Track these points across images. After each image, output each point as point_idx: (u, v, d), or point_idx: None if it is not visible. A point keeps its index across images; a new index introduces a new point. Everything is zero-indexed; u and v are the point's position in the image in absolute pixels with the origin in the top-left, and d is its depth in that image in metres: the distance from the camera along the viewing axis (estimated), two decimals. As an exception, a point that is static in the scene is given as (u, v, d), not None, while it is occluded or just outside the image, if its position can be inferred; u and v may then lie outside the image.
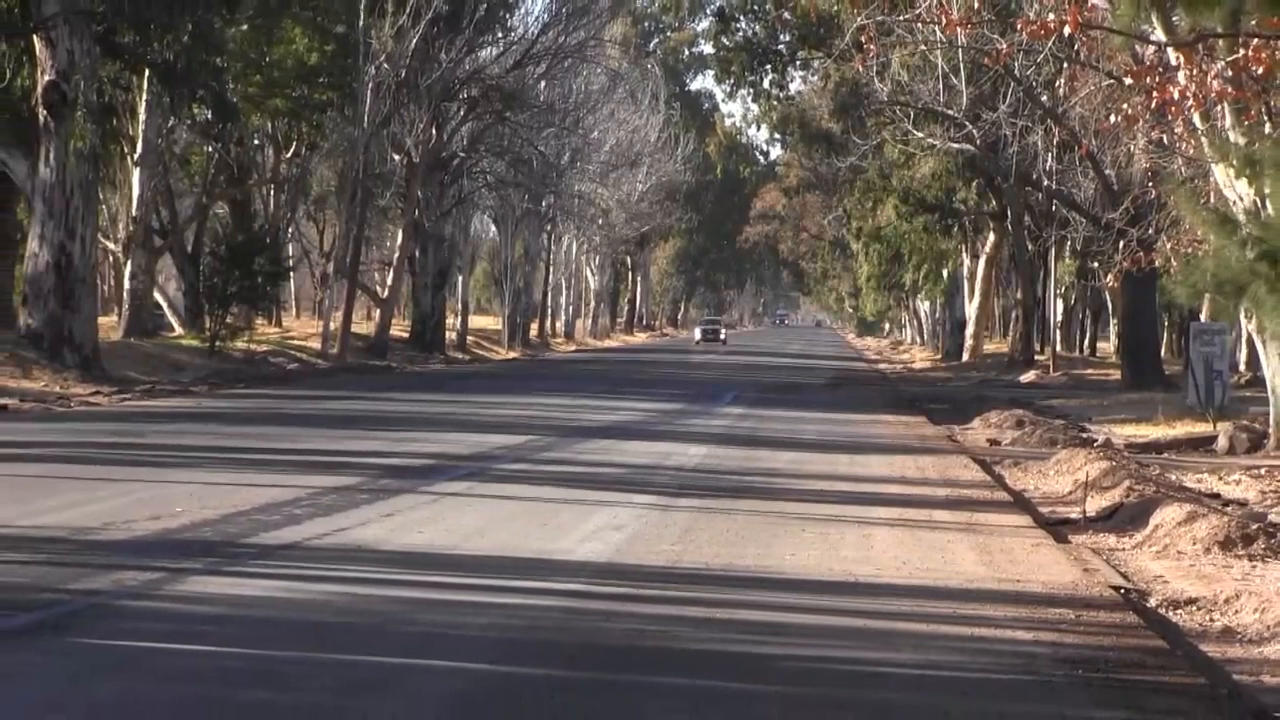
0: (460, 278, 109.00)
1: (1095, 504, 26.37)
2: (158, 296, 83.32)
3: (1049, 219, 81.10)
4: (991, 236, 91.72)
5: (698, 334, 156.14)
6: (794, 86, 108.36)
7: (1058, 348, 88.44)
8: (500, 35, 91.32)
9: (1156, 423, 43.96)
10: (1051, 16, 31.25)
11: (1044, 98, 67.60)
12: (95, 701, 11.83)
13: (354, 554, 18.84)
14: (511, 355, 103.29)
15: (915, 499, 27.64)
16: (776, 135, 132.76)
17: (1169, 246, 49.83)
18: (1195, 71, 26.73)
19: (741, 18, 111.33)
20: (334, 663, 13.20)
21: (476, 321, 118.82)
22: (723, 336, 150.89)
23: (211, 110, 74.11)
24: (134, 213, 74.96)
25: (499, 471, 29.30)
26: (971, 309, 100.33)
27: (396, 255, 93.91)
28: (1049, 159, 74.46)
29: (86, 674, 12.76)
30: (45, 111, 52.46)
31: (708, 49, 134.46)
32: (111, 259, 79.67)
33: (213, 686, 12.44)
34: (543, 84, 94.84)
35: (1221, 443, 37.18)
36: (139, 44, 56.96)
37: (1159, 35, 30.46)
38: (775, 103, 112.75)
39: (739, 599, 17.01)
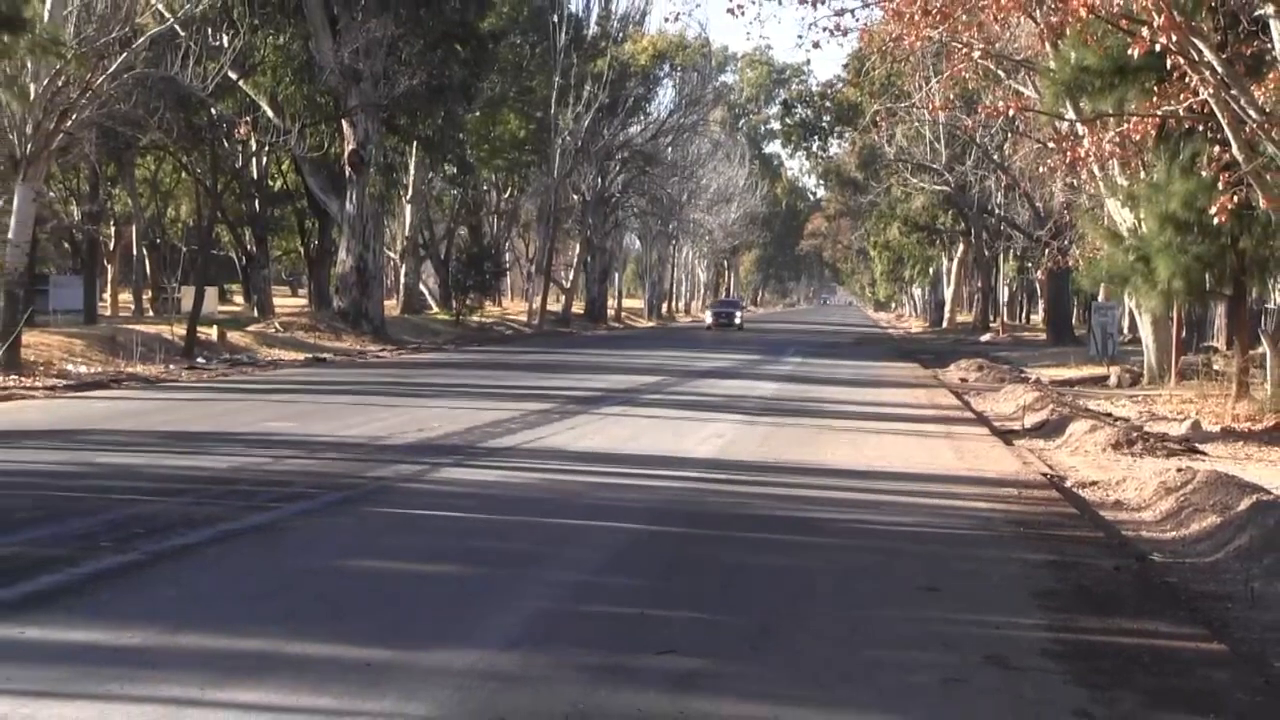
0: (616, 274, 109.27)
1: (1030, 419, 26.25)
2: (422, 287, 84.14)
3: (998, 235, 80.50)
4: (961, 246, 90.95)
5: (708, 318, 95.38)
6: (832, 149, 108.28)
7: (1005, 318, 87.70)
8: (642, 117, 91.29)
9: (1070, 367, 43.67)
10: (1001, 103, 30.99)
11: (996, 156, 67.21)
12: (385, 547, 11.88)
13: (549, 453, 18.86)
14: (650, 324, 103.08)
15: (912, 416, 27.52)
16: (821, 181, 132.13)
17: (1078, 252, 49.55)
18: (1095, 138, 26.40)
19: (798, 105, 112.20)
20: (538, 524, 13.20)
21: (627, 303, 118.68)
22: (738, 320, 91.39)
23: (456, 167, 75.12)
24: (406, 234, 75.66)
25: (642, 399, 29.30)
26: (949, 293, 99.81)
27: (575, 260, 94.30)
28: (999, 196, 74.36)
29: (378, 530, 12.83)
30: (350, 169, 52.93)
31: (776, 125, 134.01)
32: (392, 263, 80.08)
33: (460, 538, 12.48)
34: (670, 149, 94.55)
35: (1112, 380, 36.95)
36: (410, 124, 57.24)
37: (1071, 115, 30.19)
38: (820, 160, 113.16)
39: (799, 481, 16.98)
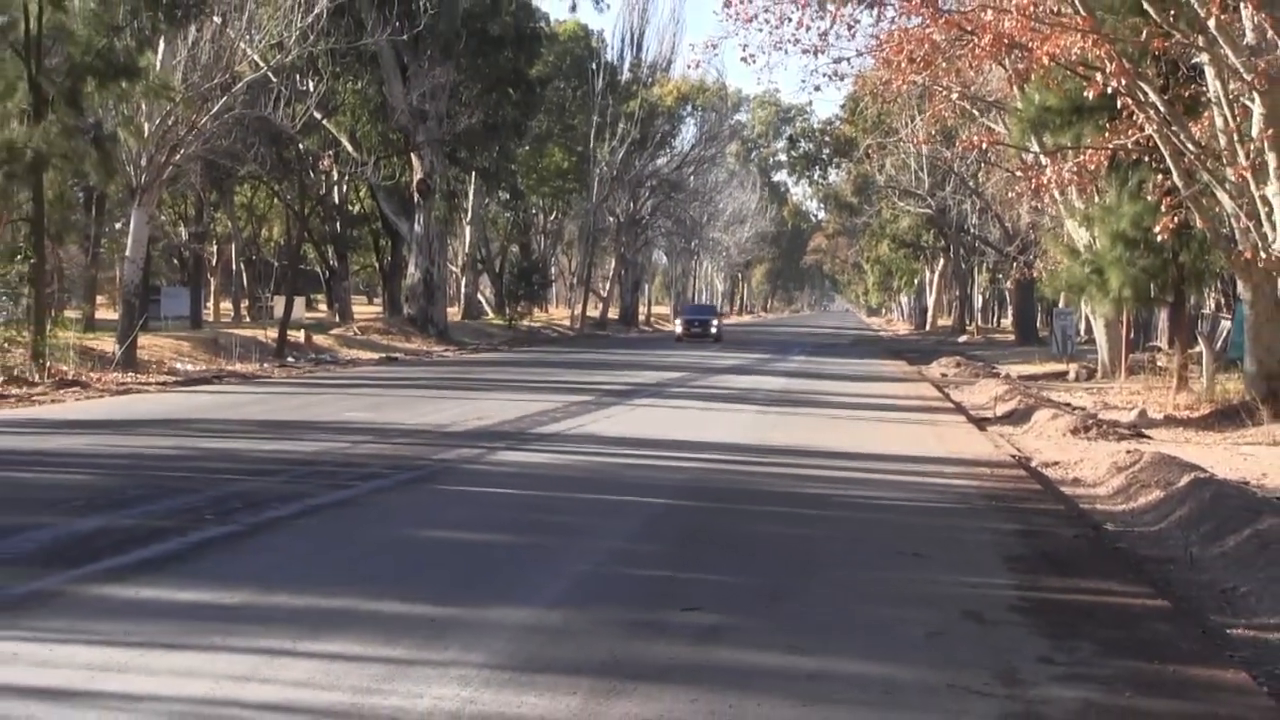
0: (646, 285, 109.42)
1: (1001, 409, 26.16)
2: (480, 297, 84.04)
3: (973, 250, 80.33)
4: (942, 260, 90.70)
5: (678, 327, 70.11)
6: (831, 178, 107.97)
7: (979, 322, 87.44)
8: (668, 151, 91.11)
9: (1034, 364, 43.50)
10: (975, 138, 30.95)
11: (971, 183, 67.05)
12: (448, 519, 11.89)
13: (589, 439, 18.87)
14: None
15: (901, 406, 27.45)
16: (821, 205, 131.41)
17: (1041, 265, 49.43)
18: (1056, 168, 26.34)
19: (802, 140, 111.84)
20: (579, 499, 13.21)
21: (655, 309, 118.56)
22: (714, 330, 66.86)
23: (509, 194, 75.30)
24: (466, 250, 75.99)
25: (669, 392, 29.29)
26: (931, 301, 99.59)
27: (611, 273, 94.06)
28: (974, 217, 74.21)
29: (446, 503, 12.86)
30: (417, 195, 53.06)
31: (783, 157, 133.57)
32: (454, 276, 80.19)
33: (516, 511, 12.48)
34: (692, 177, 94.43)
35: (1071, 375, 36.87)
36: (469, 157, 57.39)
37: (1035, 148, 30.14)
38: (820, 187, 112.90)
39: (803, 462, 16.93)
